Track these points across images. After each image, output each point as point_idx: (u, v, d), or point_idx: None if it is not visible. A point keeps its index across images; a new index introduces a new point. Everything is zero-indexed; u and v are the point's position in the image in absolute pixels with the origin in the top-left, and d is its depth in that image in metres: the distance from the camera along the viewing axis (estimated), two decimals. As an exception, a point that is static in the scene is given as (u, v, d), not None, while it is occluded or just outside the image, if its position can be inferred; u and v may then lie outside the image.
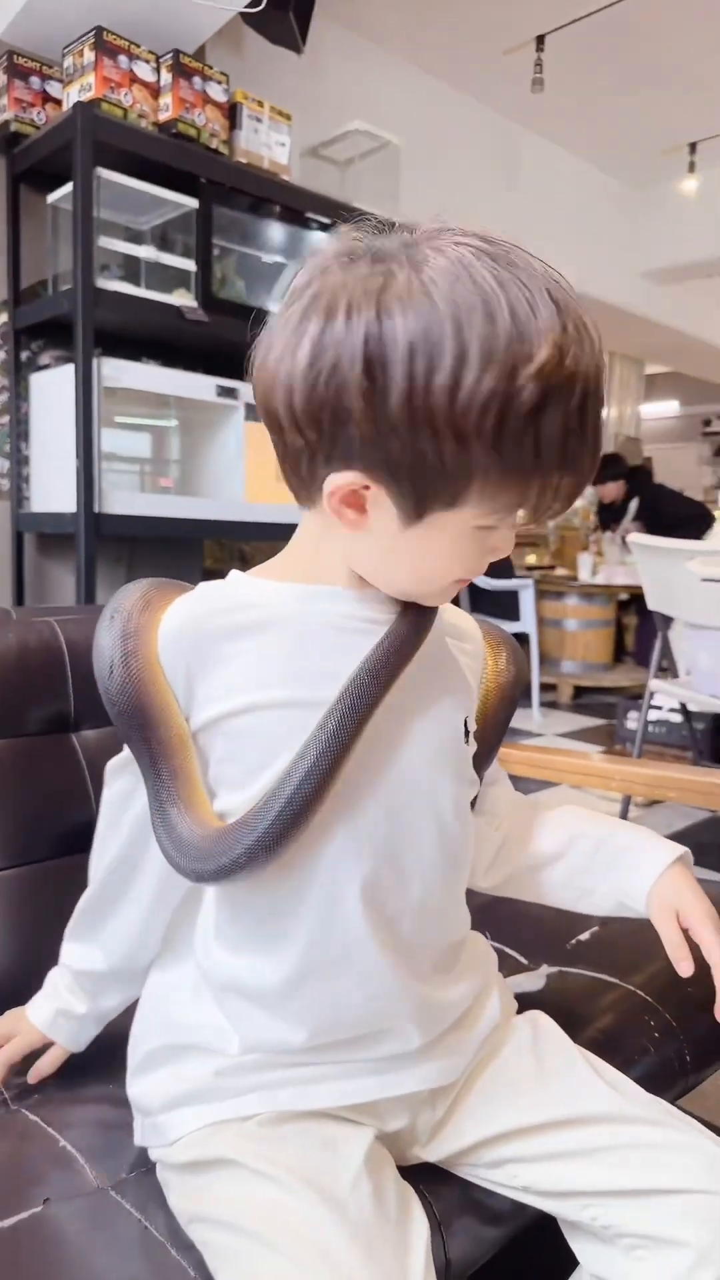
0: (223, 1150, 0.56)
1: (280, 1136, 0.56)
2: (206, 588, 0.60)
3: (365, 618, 0.57)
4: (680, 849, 0.66)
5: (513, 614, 3.91)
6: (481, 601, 3.82)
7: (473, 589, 3.71)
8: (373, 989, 0.58)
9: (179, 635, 0.57)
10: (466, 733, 0.63)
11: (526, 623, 3.94)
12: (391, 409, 0.46)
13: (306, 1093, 0.58)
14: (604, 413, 0.51)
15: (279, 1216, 0.51)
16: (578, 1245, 0.62)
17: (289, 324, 0.49)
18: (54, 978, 0.72)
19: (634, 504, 4.77)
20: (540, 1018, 0.70)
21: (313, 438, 0.49)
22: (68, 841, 0.94)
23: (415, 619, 0.57)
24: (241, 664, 0.56)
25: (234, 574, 0.61)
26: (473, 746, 0.64)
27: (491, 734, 0.67)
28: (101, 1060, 0.76)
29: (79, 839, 0.95)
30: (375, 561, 0.55)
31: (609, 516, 4.98)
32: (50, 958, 0.86)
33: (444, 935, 0.64)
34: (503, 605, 3.90)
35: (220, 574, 0.61)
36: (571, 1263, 0.64)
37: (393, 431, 0.46)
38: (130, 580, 0.62)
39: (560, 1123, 0.61)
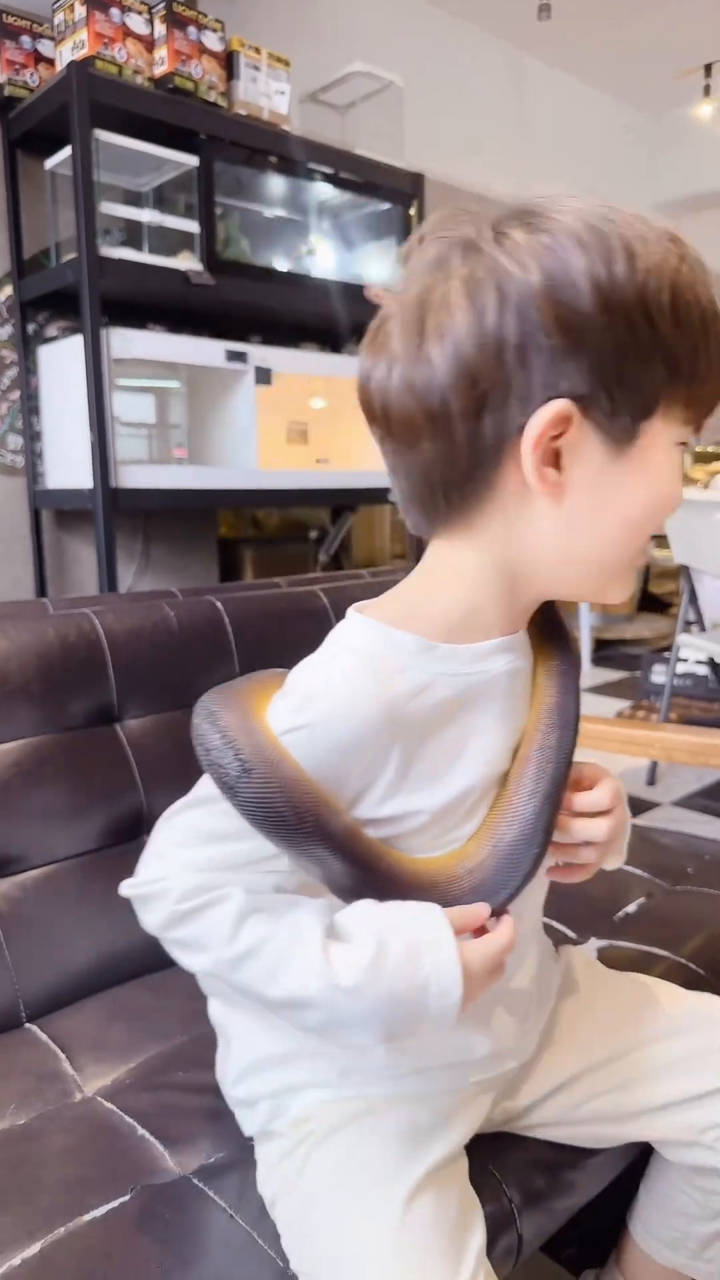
0: (316, 1128, 0.58)
1: (374, 1123, 0.58)
2: (362, 665, 0.52)
3: (527, 670, 0.58)
4: None
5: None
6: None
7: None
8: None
9: (365, 731, 0.51)
10: None
11: None
12: (585, 309, 0.46)
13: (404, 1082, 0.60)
14: None
15: (344, 1223, 0.54)
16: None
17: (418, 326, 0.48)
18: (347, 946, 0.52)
19: None
20: (577, 954, 0.75)
21: (497, 397, 0.47)
22: (117, 831, 0.95)
23: (564, 650, 0.59)
24: (438, 751, 0.54)
25: (365, 627, 0.54)
26: None
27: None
28: (167, 1047, 0.78)
29: (128, 828, 0.97)
30: (577, 536, 0.51)
31: None
32: (110, 943, 0.88)
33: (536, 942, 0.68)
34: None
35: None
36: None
37: (588, 332, 0.46)
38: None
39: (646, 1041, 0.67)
